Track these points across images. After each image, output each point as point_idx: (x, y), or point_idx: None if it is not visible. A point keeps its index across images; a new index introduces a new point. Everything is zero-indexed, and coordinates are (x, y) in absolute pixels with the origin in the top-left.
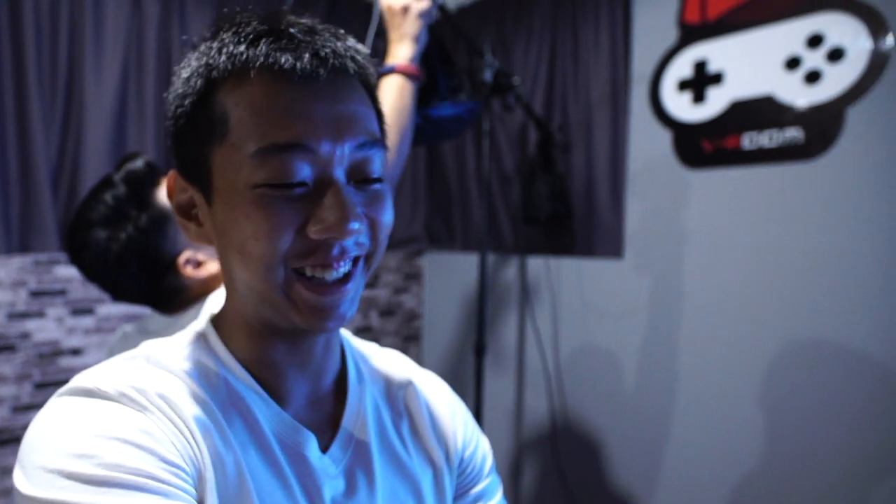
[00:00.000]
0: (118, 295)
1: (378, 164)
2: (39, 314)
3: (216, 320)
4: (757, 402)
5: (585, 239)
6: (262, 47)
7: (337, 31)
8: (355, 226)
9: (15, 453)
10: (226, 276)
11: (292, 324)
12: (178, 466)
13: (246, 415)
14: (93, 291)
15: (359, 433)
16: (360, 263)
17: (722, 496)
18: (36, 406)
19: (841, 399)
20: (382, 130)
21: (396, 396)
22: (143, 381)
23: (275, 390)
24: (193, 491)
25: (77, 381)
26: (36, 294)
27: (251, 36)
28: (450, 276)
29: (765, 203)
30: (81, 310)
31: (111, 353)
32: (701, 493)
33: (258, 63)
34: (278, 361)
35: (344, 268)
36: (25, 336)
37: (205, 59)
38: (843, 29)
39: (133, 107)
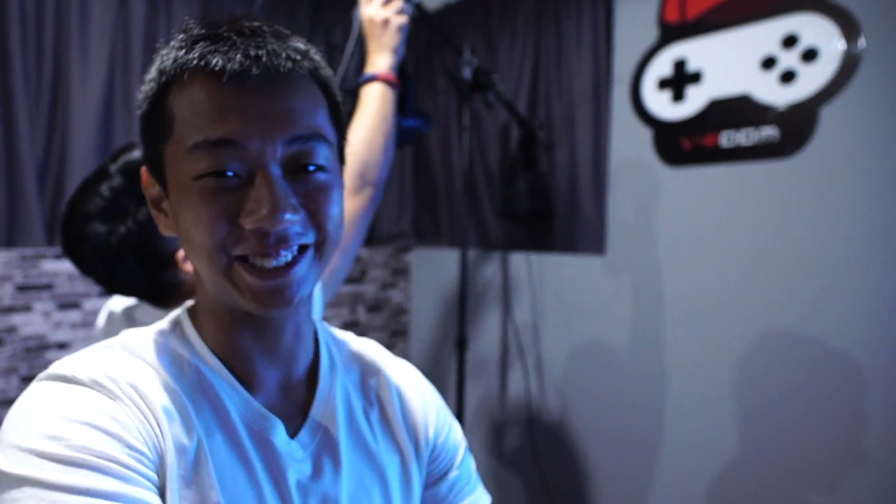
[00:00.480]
0: (113, 288)
1: (319, 155)
2: (26, 308)
3: (192, 310)
4: (736, 396)
5: (568, 235)
6: (197, 50)
7: (281, 31)
8: (285, 216)
9: None
10: (193, 266)
11: (242, 308)
12: (141, 452)
13: (214, 402)
14: (79, 286)
15: (327, 420)
16: (310, 251)
17: (704, 492)
18: None
19: (818, 393)
20: (339, 125)
21: (368, 385)
22: (116, 370)
23: (245, 377)
24: (154, 476)
25: (56, 367)
26: (22, 288)
27: (190, 40)
28: (436, 271)
29: (742, 200)
30: (68, 304)
31: (96, 337)
32: (683, 490)
33: (192, 65)
34: (246, 348)
35: (286, 256)
36: (12, 330)
37: (158, 63)
38: (816, 30)
39: (119, 103)
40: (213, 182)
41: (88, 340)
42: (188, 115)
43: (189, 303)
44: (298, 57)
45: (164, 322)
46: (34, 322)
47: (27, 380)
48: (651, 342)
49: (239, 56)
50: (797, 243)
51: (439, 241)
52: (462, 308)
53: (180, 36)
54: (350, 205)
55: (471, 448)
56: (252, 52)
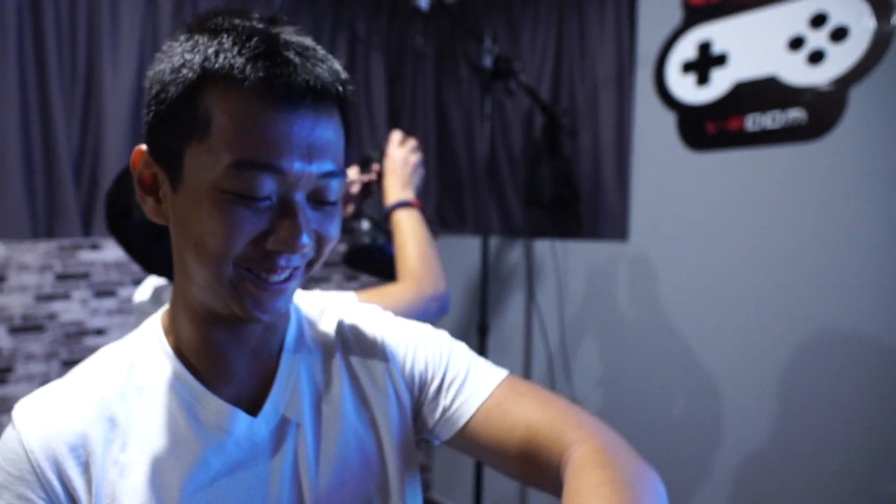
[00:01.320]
0: (152, 266)
1: (335, 189)
2: (65, 296)
3: (167, 311)
4: (763, 384)
5: (591, 222)
6: (260, 67)
7: (325, 53)
8: (306, 242)
9: None
10: (177, 262)
11: (232, 312)
12: None
13: (164, 410)
14: (114, 275)
15: (289, 402)
16: (301, 269)
17: (727, 479)
18: None
19: (846, 381)
20: (347, 156)
21: (334, 356)
22: (44, 435)
23: (216, 370)
24: None
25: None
26: (61, 277)
27: (252, 52)
28: (461, 259)
29: (768, 185)
30: (104, 292)
31: (143, 309)
32: (707, 477)
33: (252, 81)
34: (219, 344)
35: (286, 274)
36: (53, 317)
37: (199, 56)
38: (846, 8)
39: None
40: (242, 201)
41: (123, 327)
42: (231, 127)
43: (166, 307)
44: (340, 86)
45: (141, 328)
46: (72, 309)
47: (68, 364)
48: (675, 328)
49: (298, 82)
50: (826, 229)
51: (464, 229)
52: (484, 294)
53: (231, 36)
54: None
55: None
56: (309, 81)
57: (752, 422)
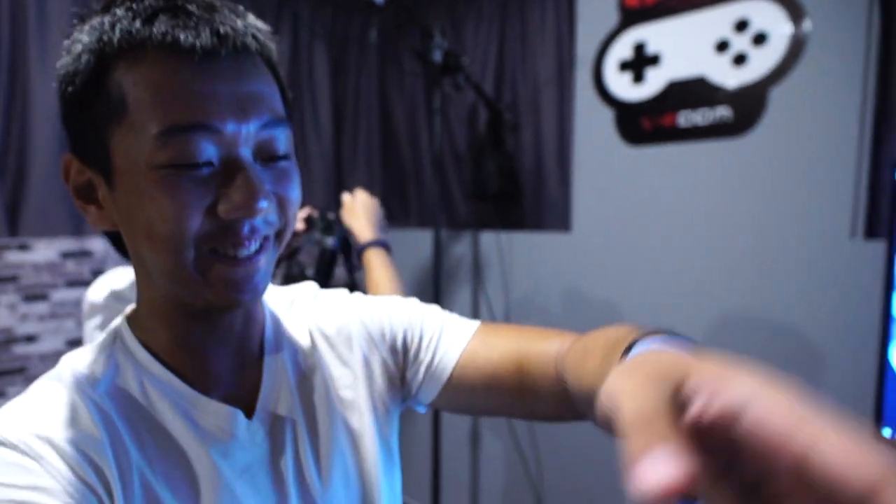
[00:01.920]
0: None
1: (284, 141)
2: None
3: (133, 315)
4: None
5: (535, 213)
6: (160, 25)
7: (236, 7)
8: (264, 204)
9: None
10: (136, 262)
11: (206, 301)
12: None
13: (159, 421)
14: (45, 277)
15: (280, 399)
16: (270, 239)
17: None
18: None
19: (766, 363)
20: (288, 108)
21: (312, 347)
22: (46, 422)
23: (198, 374)
24: None
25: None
26: None
27: (147, 12)
28: (406, 252)
29: (700, 177)
30: (34, 296)
31: (95, 309)
32: None
33: (156, 41)
34: (198, 344)
35: (254, 245)
36: None
37: (97, 34)
38: (765, 15)
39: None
40: (182, 172)
41: (57, 332)
42: (149, 96)
43: (129, 308)
44: (261, 37)
45: (106, 335)
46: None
47: None
48: (618, 314)
49: (207, 32)
50: (751, 219)
51: (407, 222)
52: (436, 288)
53: (123, 5)
54: None
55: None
56: (220, 30)
57: None
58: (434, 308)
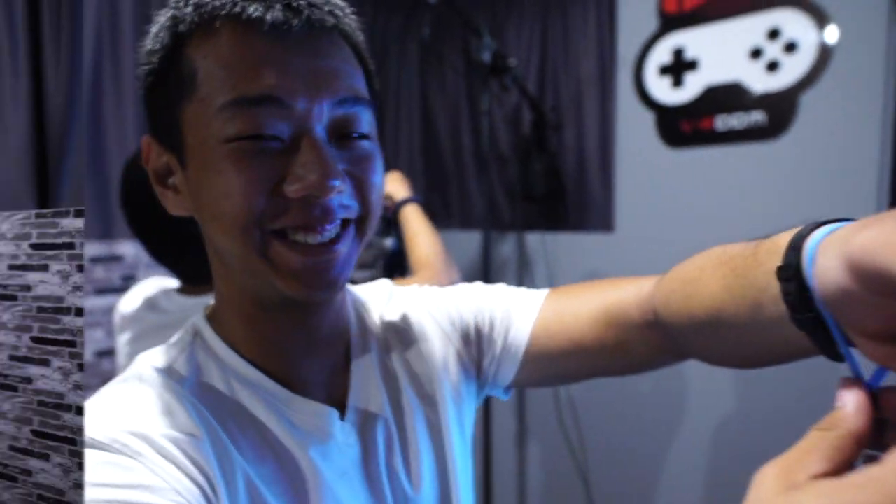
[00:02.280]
0: (157, 246)
1: (364, 121)
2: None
3: (212, 313)
4: (739, 374)
5: (578, 214)
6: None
7: None
8: (335, 183)
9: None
10: (211, 254)
11: (280, 294)
12: None
13: (252, 420)
14: None
15: (370, 397)
16: (351, 227)
17: (727, 478)
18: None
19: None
20: (372, 90)
21: (392, 346)
22: (139, 419)
23: (285, 375)
24: None
25: (88, 424)
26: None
27: None
28: (453, 254)
29: (737, 179)
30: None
31: (129, 320)
32: (703, 475)
33: (224, 13)
34: (283, 343)
35: (331, 231)
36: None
37: (169, 14)
38: (795, 24)
39: (109, 74)
40: (249, 145)
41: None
42: (218, 69)
43: (207, 304)
44: (340, 14)
45: (183, 335)
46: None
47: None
48: None
49: (278, 5)
50: (783, 218)
51: (450, 223)
52: None
53: None
54: None
55: None
56: (293, 3)
57: (738, 415)
58: (499, 287)
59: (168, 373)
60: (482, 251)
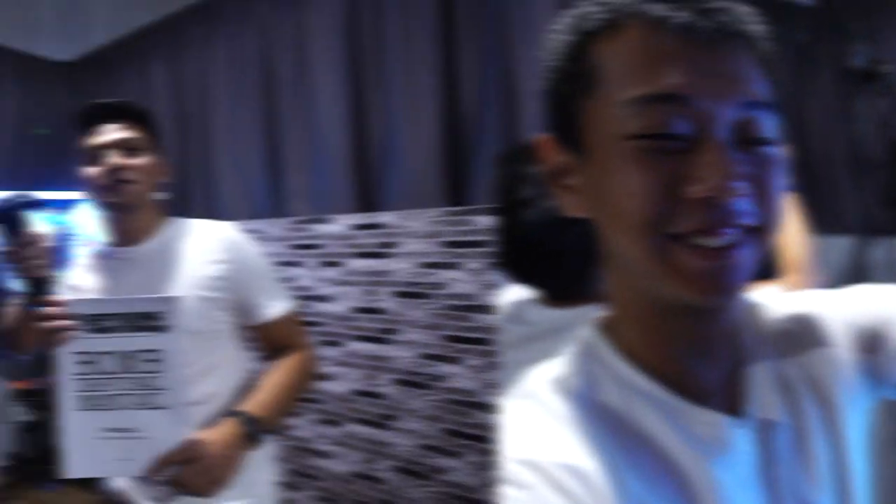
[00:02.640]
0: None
1: (768, 126)
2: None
3: (606, 324)
4: None
5: None
6: (642, 2)
7: None
8: (737, 185)
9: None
10: (608, 258)
11: (678, 297)
12: None
13: (649, 435)
14: (339, 247)
15: (768, 404)
16: (751, 234)
17: None
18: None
19: None
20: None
21: (782, 353)
22: (531, 446)
23: (682, 382)
24: None
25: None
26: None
27: None
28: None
29: None
30: (330, 263)
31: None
32: None
33: (637, 16)
34: (681, 351)
35: (731, 236)
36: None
37: (577, 17)
38: None
39: (521, 74)
40: (651, 144)
41: (364, 287)
42: (623, 67)
43: (578, 317)
44: (748, 20)
45: (576, 346)
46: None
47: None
48: None
49: (688, 8)
50: None
51: (819, 229)
52: None
53: None
54: None
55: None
56: (700, 6)
57: None
58: (893, 287)
59: (563, 391)
60: (853, 257)
